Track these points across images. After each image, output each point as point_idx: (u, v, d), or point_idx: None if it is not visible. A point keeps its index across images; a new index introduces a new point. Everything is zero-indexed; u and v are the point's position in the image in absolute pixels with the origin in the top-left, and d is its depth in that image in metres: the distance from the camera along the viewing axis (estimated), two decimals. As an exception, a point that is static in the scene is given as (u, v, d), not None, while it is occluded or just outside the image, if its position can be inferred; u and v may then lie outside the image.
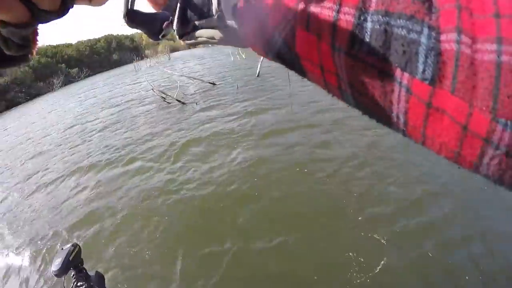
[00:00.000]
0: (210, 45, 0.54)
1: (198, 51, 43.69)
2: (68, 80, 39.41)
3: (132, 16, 0.47)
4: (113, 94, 18.48)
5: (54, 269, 1.56)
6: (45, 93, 34.44)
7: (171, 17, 0.49)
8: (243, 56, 20.16)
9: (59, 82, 36.52)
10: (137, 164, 6.34)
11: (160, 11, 0.50)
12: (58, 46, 46.87)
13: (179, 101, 10.95)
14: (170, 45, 47.68)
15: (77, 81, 40.02)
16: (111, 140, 8.82)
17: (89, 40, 52.43)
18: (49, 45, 46.71)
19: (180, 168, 5.60)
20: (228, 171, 4.97)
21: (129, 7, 0.47)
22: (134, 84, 20.78)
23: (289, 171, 4.67)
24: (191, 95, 12.12)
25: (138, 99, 14.44)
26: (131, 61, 44.58)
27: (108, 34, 54.53)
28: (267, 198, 4.11)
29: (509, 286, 2.41)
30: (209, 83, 13.20)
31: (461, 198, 3.47)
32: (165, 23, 0.49)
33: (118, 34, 56.22)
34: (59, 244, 4.23)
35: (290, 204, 3.92)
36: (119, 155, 7.18)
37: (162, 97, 11.97)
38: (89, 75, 42.60)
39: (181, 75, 14.96)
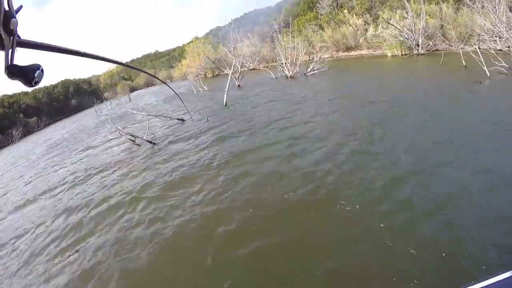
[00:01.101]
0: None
1: (156, 87, 43.59)
2: (28, 131, 37.22)
3: (12, 70, 0.57)
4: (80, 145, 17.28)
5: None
6: (5, 146, 32.41)
7: (41, 67, 0.62)
8: (205, 88, 20.25)
9: (18, 133, 34.53)
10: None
11: (32, 64, 0.62)
12: (14, 95, 44.49)
13: (149, 141, 10.45)
14: (129, 85, 47.18)
15: (37, 130, 38.19)
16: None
17: (46, 87, 50.04)
18: (5, 94, 43.99)
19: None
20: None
21: (9, 63, 0.56)
22: (98, 129, 19.85)
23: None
24: (161, 133, 11.60)
25: (104, 144, 13.35)
26: (91, 105, 43.53)
27: (65, 79, 52.89)
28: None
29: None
30: (178, 119, 12.73)
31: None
32: (36, 72, 0.61)
33: (75, 78, 54.75)
34: None
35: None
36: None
37: (131, 139, 11.33)
38: (48, 123, 40.66)
39: (148, 115, 14.38)
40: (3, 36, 0.52)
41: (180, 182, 6.26)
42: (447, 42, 14.97)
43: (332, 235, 3.53)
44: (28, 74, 0.61)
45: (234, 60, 17.19)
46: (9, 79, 0.60)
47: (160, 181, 6.63)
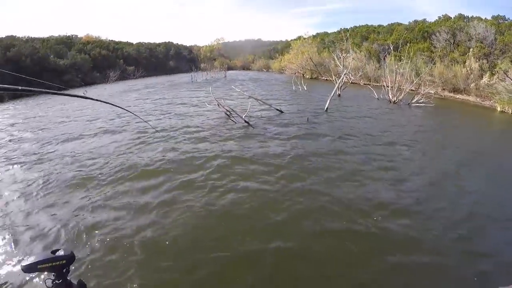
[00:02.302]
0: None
1: (252, 73, 45.39)
2: (123, 76, 41.03)
3: None
4: (173, 100, 18.37)
5: (23, 264, 1.60)
6: (100, 83, 36.06)
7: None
8: (305, 87, 21.46)
9: (115, 76, 38.00)
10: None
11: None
12: (120, 42, 49.59)
13: (247, 122, 10.75)
14: (227, 62, 50.18)
15: (132, 78, 41.64)
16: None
17: (150, 43, 54.97)
18: (112, 40, 49.49)
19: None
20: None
21: None
22: (194, 93, 21.53)
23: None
24: (258, 118, 11.99)
25: (200, 109, 14.48)
26: (186, 71, 47.03)
27: (168, 41, 57.81)
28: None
29: None
30: (277, 109, 13.14)
31: None
32: None
33: (177, 43, 59.61)
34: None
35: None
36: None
37: (227, 114, 11.92)
38: (144, 76, 43.82)
39: (250, 97, 14.33)
40: None
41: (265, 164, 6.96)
42: None
43: None
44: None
45: (342, 69, 17.98)
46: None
47: (247, 155, 7.55)
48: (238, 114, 11.20)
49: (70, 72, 34.69)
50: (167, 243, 4.15)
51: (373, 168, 6.93)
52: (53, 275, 1.64)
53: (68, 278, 1.69)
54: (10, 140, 10.26)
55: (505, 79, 17.01)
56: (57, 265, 1.62)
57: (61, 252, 1.63)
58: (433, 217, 4.88)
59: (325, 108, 13.71)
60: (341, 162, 7.25)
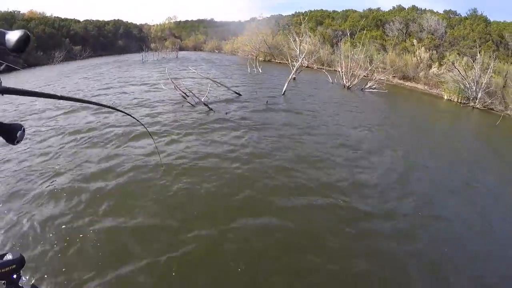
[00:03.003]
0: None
1: (204, 54, 43.82)
2: (69, 57, 37.41)
3: None
4: (125, 80, 17.18)
5: None
6: (44, 64, 32.70)
7: (23, 127, 0.69)
8: (260, 70, 20.71)
9: (60, 56, 34.61)
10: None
11: (15, 123, 0.70)
12: (66, 19, 44.96)
13: (206, 105, 10.26)
14: (178, 43, 47.80)
15: (79, 59, 38.33)
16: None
17: (98, 21, 50.37)
18: (57, 17, 44.63)
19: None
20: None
21: None
22: (146, 74, 20.19)
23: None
24: (216, 101, 11.51)
25: (156, 91, 13.36)
26: (136, 51, 44.24)
27: (118, 19, 53.51)
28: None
29: None
30: (235, 92, 12.75)
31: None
32: (19, 132, 0.67)
33: (127, 21, 55.59)
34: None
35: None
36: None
37: (184, 96, 11.32)
38: (91, 56, 40.81)
39: (207, 78, 13.66)
40: None
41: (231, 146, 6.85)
42: (505, 104, 15.15)
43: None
44: (11, 133, 0.66)
45: (298, 53, 17.48)
46: None
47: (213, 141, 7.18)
48: (197, 97, 10.54)
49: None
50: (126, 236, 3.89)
51: (333, 146, 7.42)
52: (3, 283, 1.40)
53: (19, 284, 1.45)
54: None
55: (452, 70, 17.63)
56: (6, 271, 1.37)
57: (8, 256, 1.39)
58: (387, 190, 5.47)
59: (283, 91, 13.34)
60: (302, 142, 7.53)
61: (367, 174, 6.01)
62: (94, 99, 10.78)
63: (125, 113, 1.81)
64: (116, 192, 4.84)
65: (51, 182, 5.13)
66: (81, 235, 3.84)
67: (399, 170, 6.36)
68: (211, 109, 10.03)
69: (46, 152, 6.41)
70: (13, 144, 0.68)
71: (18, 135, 0.67)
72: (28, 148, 6.61)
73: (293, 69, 15.92)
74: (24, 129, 0.70)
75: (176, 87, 11.43)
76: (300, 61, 16.00)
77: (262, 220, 4.27)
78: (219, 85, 13.18)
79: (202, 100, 10.35)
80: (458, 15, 25.38)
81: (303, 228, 4.18)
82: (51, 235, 3.84)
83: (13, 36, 0.71)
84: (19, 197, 4.70)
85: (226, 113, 9.82)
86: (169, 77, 12.38)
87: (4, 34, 0.71)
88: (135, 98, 12.01)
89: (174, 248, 3.64)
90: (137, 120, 2.14)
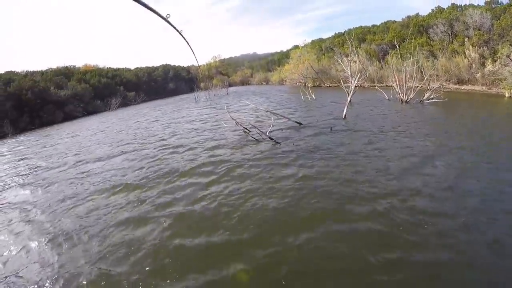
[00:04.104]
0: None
1: (253, 87, 45.76)
2: (125, 103, 41.61)
3: None
4: (186, 119, 18.29)
5: None
6: (102, 111, 36.74)
7: None
8: (313, 96, 21.82)
9: (116, 103, 38.57)
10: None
11: None
12: (118, 69, 50.07)
13: (272, 139, 10.44)
14: (225, 79, 50.76)
15: (133, 104, 42.17)
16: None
17: (148, 67, 55.58)
18: (110, 67, 50.06)
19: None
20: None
21: None
22: (202, 112, 21.58)
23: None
24: (279, 133, 11.77)
25: (216, 128, 14.33)
26: (185, 92, 47.58)
27: (166, 64, 58.59)
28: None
29: None
30: (296, 122, 13.10)
31: None
32: None
33: (175, 65, 60.32)
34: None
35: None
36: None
37: (245, 131, 11.90)
38: (145, 100, 44.31)
39: (267, 111, 14.18)
40: None
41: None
42: None
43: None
44: None
45: (350, 74, 18.16)
46: None
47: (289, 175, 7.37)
48: (261, 131, 10.96)
49: (71, 103, 35.28)
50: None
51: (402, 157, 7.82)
52: None
53: None
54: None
55: (509, 63, 17.22)
56: None
57: None
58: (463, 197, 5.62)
59: (343, 115, 13.84)
60: (378, 160, 7.89)
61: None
62: (159, 139, 13.06)
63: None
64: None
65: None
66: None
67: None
68: (277, 142, 10.24)
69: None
70: None
71: None
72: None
73: (346, 91, 16.68)
74: None
75: (237, 123, 12.01)
76: (355, 82, 16.48)
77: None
78: (279, 116, 13.49)
79: (267, 133, 10.66)
80: (500, 4, 24.41)
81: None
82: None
83: None
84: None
85: (294, 144, 9.98)
86: (229, 113, 13.11)
87: None
88: (197, 135, 13.30)
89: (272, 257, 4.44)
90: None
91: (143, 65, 55.42)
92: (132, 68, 53.74)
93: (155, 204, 6.68)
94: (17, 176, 11.37)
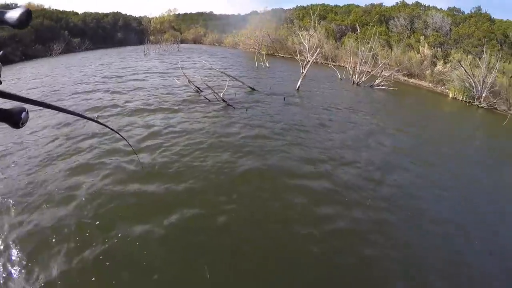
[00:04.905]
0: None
1: (205, 46, 43.54)
2: (68, 49, 36.90)
3: None
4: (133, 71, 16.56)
5: None
6: (42, 56, 32.34)
7: (26, 109, 0.66)
8: (267, 64, 20.70)
9: (59, 48, 34.37)
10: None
11: (16, 106, 0.66)
12: (64, 12, 44.30)
13: (225, 101, 10.00)
14: (177, 35, 47.34)
15: (77, 51, 38.04)
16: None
17: (97, 13, 49.54)
18: (56, 9, 44.00)
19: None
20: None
21: None
22: (151, 65, 19.90)
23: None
24: (232, 97, 11.05)
25: (168, 86, 12.76)
26: (135, 43, 43.83)
27: (117, 11, 52.71)
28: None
29: None
30: (250, 87, 12.52)
31: None
32: (23, 114, 0.66)
33: (126, 14, 54.69)
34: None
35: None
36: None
37: (198, 90, 11.11)
38: (90, 48, 40.43)
39: (222, 72, 13.11)
40: None
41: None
42: (508, 104, 15.45)
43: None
44: (13, 117, 0.64)
45: (307, 49, 17.41)
46: None
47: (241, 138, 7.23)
48: (214, 92, 10.19)
49: (9, 45, 30.59)
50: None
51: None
52: None
53: None
54: None
55: (458, 68, 17.82)
56: None
57: None
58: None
59: (297, 87, 13.51)
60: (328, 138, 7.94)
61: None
62: (103, 87, 11.12)
63: (110, 128, 1.69)
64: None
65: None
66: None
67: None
68: (229, 105, 9.76)
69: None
70: (18, 127, 0.68)
71: (22, 116, 0.66)
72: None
73: (301, 64, 15.96)
74: (27, 111, 0.69)
75: (190, 82, 11.16)
76: (314, 57, 15.58)
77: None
78: (233, 79, 12.34)
79: (221, 96, 10.08)
80: (462, 13, 25.53)
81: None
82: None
83: (14, 13, 0.70)
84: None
85: (247, 110, 9.62)
86: (182, 70, 12.20)
87: (3, 13, 0.70)
88: (151, 88, 12.07)
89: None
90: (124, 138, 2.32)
91: (92, 10, 49.65)
92: (80, 12, 47.82)
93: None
94: None
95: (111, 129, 1.69)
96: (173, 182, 5.12)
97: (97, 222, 4.02)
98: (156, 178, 5.25)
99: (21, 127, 0.66)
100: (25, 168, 5.40)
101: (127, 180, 5.12)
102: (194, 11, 65.04)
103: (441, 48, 21.56)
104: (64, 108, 0.94)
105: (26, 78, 14.74)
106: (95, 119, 1.47)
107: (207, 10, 64.28)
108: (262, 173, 5.72)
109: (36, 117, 7.75)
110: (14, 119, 0.64)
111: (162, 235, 3.90)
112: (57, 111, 1.05)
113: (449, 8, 26.29)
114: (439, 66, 19.99)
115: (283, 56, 29.35)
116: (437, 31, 23.22)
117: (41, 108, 0.92)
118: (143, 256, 3.53)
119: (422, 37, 22.94)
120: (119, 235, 3.82)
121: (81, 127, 7.29)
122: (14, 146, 6.26)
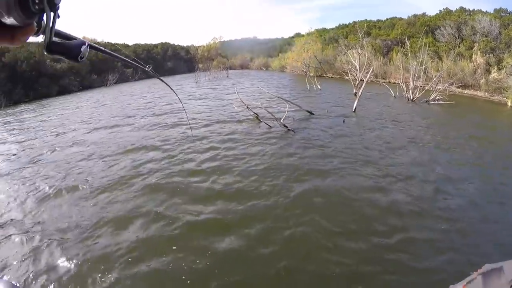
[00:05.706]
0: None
1: (253, 72, 45.23)
2: (122, 79, 40.65)
3: (53, 48, 0.61)
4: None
5: None
6: (98, 86, 35.94)
7: (86, 42, 0.67)
8: (319, 86, 21.74)
9: (113, 79, 37.90)
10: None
11: (76, 39, 0.67)
12: (117, 44, 47.93)
13: (285, 126, 10.31)
14: (225, 62, 49.93)
15: (131, 81, 41.35)
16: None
17: (146, 44, 53.96)
18: (108, 42, 47.52)
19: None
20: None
21: (49, 40, 0.59)
22: (207, 92, 21.04)
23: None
24: (291, 121, 11.33)
25: (226, 112, 13.84)
26: (183, 72, 46.78)
27: (165, 42, 56.83)
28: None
29: None
30: (307, 111, 12.87)
31: None
32: (83, 47, 0.66)
33: (174, 44, 58.76)
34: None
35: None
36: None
37: (257, 118, 11.59)
38: (142, 78, 43.57)
39: (278, 97, 13.67)
40: (46, 10, 0.51)
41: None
42: None
43: None
44: (73, 50, 0.63)
45: (358, 68, 18.09)
46: (50, 56, 0.61)
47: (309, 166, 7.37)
48: (274, 117, 10.76)
49: (67, 76, 34.17)
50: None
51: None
52: None
53: None
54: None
55: (513, 73, 17.44)
56: None
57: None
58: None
59: (353, 108, 13.77)
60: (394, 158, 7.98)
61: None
62: (163, 116, 13.11)
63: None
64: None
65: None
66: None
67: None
68: (291, 130, 10.14)
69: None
70: (77, 61, 0.66)
71: (82, 50, 0.65)
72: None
73: (353, 84, 16.61)
74: (88, 44, 0.68)
75: (248, 108, 11.71)
76: (367, 76, 15.79)
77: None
78: (290, 103, 12.47)
79: (281, 121, 10.49)
80: (509, 13, 24.46)
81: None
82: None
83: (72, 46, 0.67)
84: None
85: (309, 134, 9.99)
86: (239, 97, 12.55)
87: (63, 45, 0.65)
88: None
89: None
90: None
91: (142, 42, 53.90)
92: (131, 44, 51.86)
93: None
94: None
95: (169, 86, 1.96)
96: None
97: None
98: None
99: (80, 62, 0.65)
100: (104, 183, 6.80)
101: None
102: (239, 37, 68.43)
103: (493, 54, 21.05)
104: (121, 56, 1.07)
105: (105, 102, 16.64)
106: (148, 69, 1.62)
107: (251, 36, 67.18)
108: (339, 189, 6.14)
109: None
110: (74, 53, 0.64)
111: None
112: None
113: (495, 10, 25.28)
114: (494, 74, 19.63)
115: (331, 77, 30.18)
116: (486, 36, 22.57)
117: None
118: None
119: (476, 44, 22.51)
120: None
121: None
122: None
